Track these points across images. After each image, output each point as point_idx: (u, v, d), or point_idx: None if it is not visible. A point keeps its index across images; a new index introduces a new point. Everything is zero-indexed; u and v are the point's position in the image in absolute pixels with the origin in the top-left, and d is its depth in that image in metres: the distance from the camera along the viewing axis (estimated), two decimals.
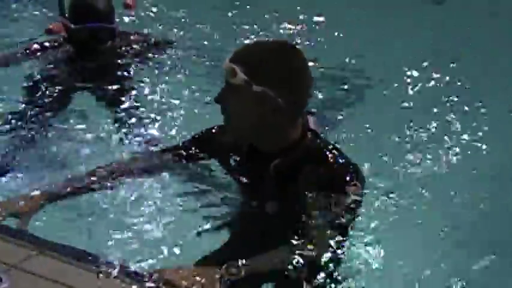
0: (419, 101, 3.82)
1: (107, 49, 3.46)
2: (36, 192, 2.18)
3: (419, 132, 3.44)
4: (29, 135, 3.29)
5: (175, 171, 2.41)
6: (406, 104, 3.76)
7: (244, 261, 1.85)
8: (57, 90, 3.52)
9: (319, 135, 2.14)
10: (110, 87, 3.49)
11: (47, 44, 3.64)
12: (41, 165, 3.10)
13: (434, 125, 3.55)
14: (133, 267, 1.94)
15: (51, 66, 3.57)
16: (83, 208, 2.37)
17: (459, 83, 3.98)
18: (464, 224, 2.84)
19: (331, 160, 2.06)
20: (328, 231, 1.98)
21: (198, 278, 1.79)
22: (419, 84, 4.00)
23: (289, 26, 4.67)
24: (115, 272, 1.86)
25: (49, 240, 2.02)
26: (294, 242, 1.95)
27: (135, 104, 3.48)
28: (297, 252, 1.91)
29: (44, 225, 2.23)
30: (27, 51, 3.61)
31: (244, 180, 2.21)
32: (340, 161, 2.07)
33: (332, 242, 1.98)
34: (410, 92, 3.92)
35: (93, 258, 1.93)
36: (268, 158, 2.10)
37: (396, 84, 4.01)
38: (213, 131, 2.29)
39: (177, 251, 2.27)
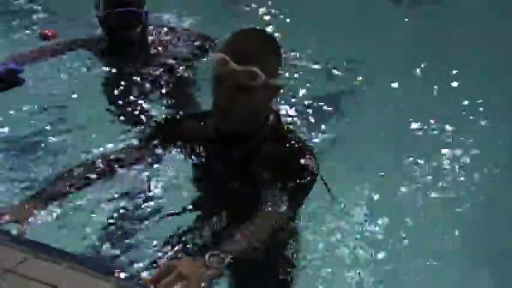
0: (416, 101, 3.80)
1: (137, 40, 3.50)
2: (29, 200, 2.15)
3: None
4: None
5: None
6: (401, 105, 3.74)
7: (222, 248, 1.82)
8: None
9: (280, 116, 2.25)
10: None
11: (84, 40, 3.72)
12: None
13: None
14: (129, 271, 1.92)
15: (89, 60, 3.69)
16: (77, 210, 2.33)
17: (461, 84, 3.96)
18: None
19: (290, 141, 2.17)
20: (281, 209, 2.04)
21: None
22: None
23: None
24: (112, 277, 1.84)
25: (45, 243, 2.00)
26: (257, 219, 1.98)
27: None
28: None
29: (39, 228, 2.20)
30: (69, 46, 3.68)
31: (210, 163, 2.27)
32: (297, 142, 2.18)
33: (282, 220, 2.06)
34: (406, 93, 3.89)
35: (89, 262, 1.91)
36: (236, 140, 2.19)
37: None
38: (178, 119, 2.38)
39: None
